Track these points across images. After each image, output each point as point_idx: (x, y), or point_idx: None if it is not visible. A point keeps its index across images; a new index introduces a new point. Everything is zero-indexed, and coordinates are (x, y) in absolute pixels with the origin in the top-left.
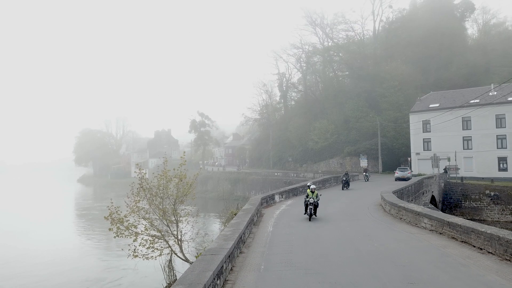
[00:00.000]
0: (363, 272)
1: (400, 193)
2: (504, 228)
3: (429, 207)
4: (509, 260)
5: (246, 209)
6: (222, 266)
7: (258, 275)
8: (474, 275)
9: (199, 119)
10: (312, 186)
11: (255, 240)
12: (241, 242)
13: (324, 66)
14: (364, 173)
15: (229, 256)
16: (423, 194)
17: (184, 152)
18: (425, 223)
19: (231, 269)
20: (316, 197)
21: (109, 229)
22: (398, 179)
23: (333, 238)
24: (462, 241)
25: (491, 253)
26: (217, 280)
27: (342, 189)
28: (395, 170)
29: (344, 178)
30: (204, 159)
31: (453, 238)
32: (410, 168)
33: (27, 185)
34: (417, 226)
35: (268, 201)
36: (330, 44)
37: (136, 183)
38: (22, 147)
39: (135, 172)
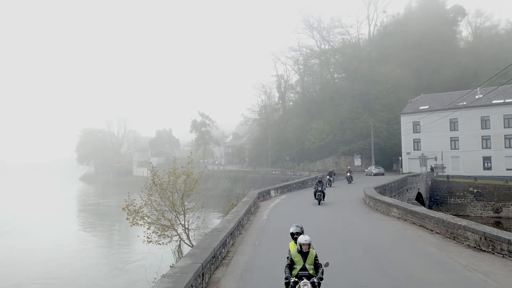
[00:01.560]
0: (334, 243)
1: (382, 189)
2: (485, 223)
3: (412, 203)
4: (449, 238)
5: (244, 201)
6: (226, 240)
7: (253, 248)
8: (417, 247)
9: (200, 119)
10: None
11: (252, 225)
12: (240, 226)
13: (321, 69)
14: (347, 174)
15: (231, 234)
16: (407, 190)
17: (191, 152)
18: (394, 212)
19: (233, 244)
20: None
21: (127, 219)
22: (376, 174)
23: (316, 223)
24: (419, 225)
25: (438, 233)
26: (222, 248)
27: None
28: (370, 167)
29: (319, 188)
30: (205, 158)
31: (413, 223)
32: (401, 166)
33: (32, 185)
34: (388, 215)
35: (264, 195)
36: (327, 47)
37: (149, 179)
38: (22, 147)
39: (148, 169)
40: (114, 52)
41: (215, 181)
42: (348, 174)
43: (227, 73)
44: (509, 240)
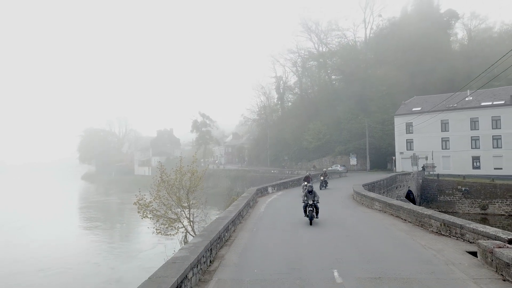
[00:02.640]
0: (319, 229)
1: (371, 186)
2: (473, 220)
3: (402, 200)
4: (418, 225)
5: (244, 196)
6: (228, 226)
7: (251, 233)
8: (389, 232)
9: (201, 120)
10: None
11: (250, 216)
12: (240, 216)
13: (319, 70)
14: (321, 178)
15: (233, 221)
16: (396, 188)
17: (196, 152)
18: (376, 205)
19: (234, 230)
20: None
21: (138, 212)
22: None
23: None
24: (396, 216)
25: (409, 222)
26: (225, 232)
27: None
28: (335, 166)
29: (309, 202)
30: (205, 158)
31: (391, 214)
32: (395, 166)
33: (35, 184)
34: (371, 208)
35: (262, 191)
36: (324, 49)
37: (158, 177)
38: (22, 147)
39: (157, 168)
40: (115, 53)
41: (215, 180)
42: (322, 178)
43: (227, 74)
44: (461, 225)
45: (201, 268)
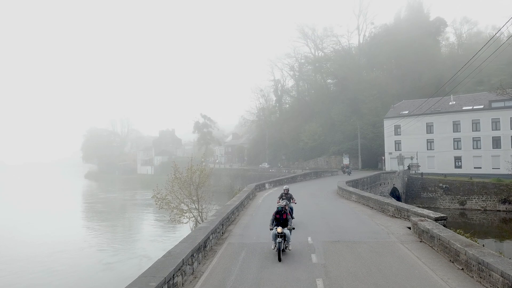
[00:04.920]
0: (304, 213)
1: (355, 183)
2: (452, 214)
3: (384, 195)
4: (380, 211)
5: (245, 190)
6: (234, 211)
7: (251, 217)
8: (356, 215)
9: (202, 121)
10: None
11: (250, 205)
12: (242, 205)
13: (315, 74)
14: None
15: (237, 208)
16: (380, 185)
17: (203, 153)
18: (353, 197)
19: (238, 215)
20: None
21: (155, 203)
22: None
23: (295, 206)
24: (366, 205)
25: (375, 209)
26: (232, 215)
27: None
28: (263, 163)
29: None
30: (206, 157)
31: (363, 204)
32: (384, 165)
33: (40, 183)
34: (349, 200)
35: (260, 187)
36: (320, 54)
37: (172, 174)
38: (22, 147)
39: (171, 167)
40: (118, 56)
41: (216, 178)
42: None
43: (227, 75)
44: (407, 209)
45: (216, 235)
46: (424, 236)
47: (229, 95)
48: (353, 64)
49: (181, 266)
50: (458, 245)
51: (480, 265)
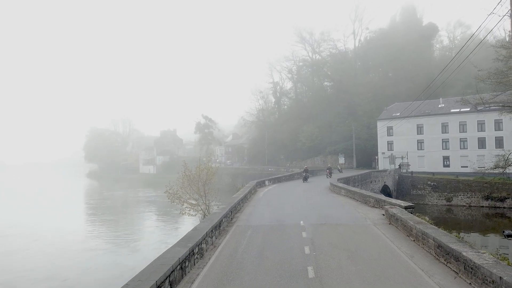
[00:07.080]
0: (299, 205)
1: (346, 180)
2: (439, 210)
3: (374, 192)
4: (364, 203)
5: (247, 186)
6: (239, 202)
7: (254, 207)
8: (342, 206)
9: (203, 122)
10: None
11: (252, 199)
12: (245, 199)
13: (312, 77)
14: (304, 174)
15: (241, 200)
16: (371, 182)
17: (211, 153)
18: (342, 192)
19: (242, 205)
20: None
21: (167, 197)
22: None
23: (291, 199)
24: (353, 199)
25: (359, 201)
26: (238, 205)
27: None
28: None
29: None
30: (207, 157)
31: (350, 197)
32: (377, 164)
33: (43, 183)
34: (339, 194)
35: (260, 184)
36: (317, 57)
37: (182, 172)
38: (22, 147)
39: (182, 165)
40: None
41: (218, 176)
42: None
43: (227, 76)
44: (384, 200)
45: (227, 219)
46: (392, 219)
47: (229, 96)
48: (349, 67)
49: (205, 237)
50: (411, 223)
51: (423, 235)
